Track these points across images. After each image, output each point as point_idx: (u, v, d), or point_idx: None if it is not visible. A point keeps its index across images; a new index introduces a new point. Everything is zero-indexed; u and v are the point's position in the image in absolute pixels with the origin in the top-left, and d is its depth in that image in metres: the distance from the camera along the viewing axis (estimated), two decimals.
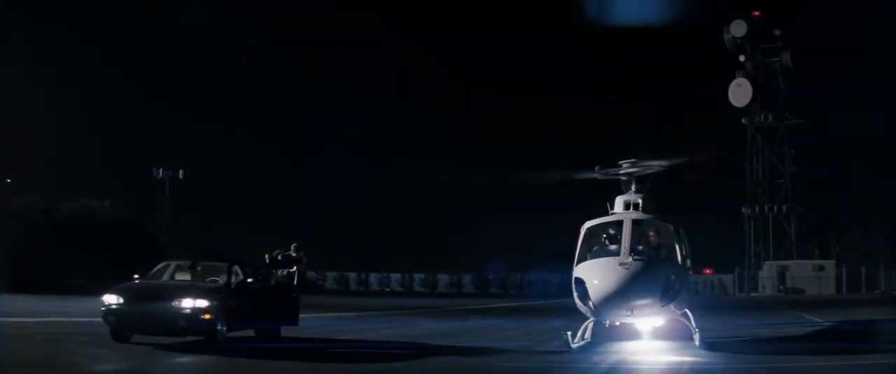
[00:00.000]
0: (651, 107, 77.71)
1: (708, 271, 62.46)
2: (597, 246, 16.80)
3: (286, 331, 17.94)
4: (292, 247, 18.58)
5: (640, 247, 16.12)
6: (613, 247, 16.12)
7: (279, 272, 18.28)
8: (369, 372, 13.98)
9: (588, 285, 15.45)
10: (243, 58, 77.50)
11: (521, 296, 55.20)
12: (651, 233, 16.95)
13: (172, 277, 17.07)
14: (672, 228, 17.01)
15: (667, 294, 15.46)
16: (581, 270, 16.02)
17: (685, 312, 16.46)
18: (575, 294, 16.02)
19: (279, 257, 18.49)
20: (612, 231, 16.69)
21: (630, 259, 15.35)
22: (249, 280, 16.77)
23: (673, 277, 15.72)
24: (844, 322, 24.69)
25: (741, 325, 24.48)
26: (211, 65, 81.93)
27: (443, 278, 65.36)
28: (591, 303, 15.50)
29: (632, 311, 15.46)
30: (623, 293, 15.19)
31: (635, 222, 16.29)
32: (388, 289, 64.16)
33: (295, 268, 18.85)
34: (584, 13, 50.70)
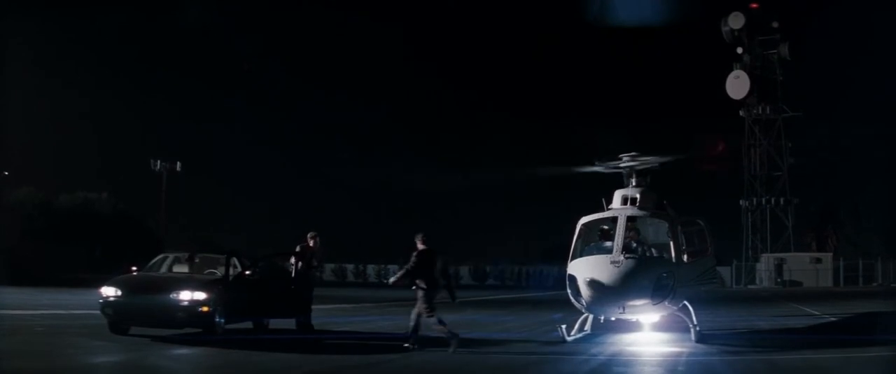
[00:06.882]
0: (648, 99, 77.82)
1: None
2: (592, 242, 16.81)
3: (283, 323, 17.85)
4: (308, 236, 18.20)
5: (634, 244, 16.11)
6: (607, 244, 16.12)
7: (294, 264, 18.01)
8: (366, 364, 14.02)
9: (580, 283, 15.46)
10: (245, 61, 77.27)
11: (519, 288, 55.20)
12: (646, 229, 16.92)
13: (170, 269, 17.03)
14: (668, 223, 16.96)
15: (659, 292, 15.43)
16: (574, 266, 16.04)
17: (684, 305, 16.45)
18: (569, 291, 16.05)
19: (298, 249, 18.20)
20: (606, 227, 16.69)
21: (622, 257, 15.35)
22: (247, 273, 16.71)
23: (665, 274, 15.70)
24: (841, 315, 24.74)
25: (738, 317, 24.53)
26: (209, 60, 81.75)
27: None
28: (583, 300, 15.53)
29: (623, 309, 15.47)
30: (614, 292, 15.19)
31: (630, 219, 16.28)
32: (386, 281, 63.90)
33: (300, 261, 18.31)
34: (584, 4, 50.67)
